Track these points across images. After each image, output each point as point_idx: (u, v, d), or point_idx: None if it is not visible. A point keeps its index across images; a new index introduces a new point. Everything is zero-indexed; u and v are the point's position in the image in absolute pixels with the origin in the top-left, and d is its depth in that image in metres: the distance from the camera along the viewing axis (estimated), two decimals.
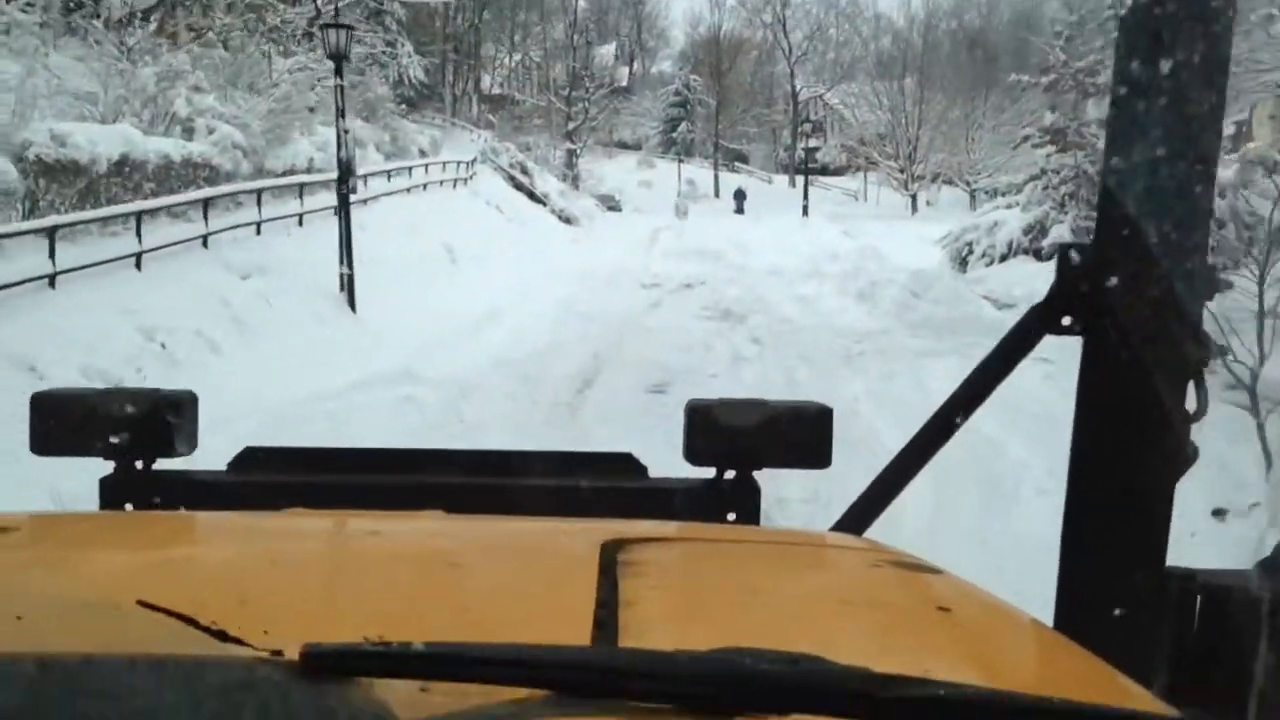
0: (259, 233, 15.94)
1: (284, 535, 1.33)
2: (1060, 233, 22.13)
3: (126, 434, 1.72)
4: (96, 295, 10.99)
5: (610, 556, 1.09)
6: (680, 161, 67.89)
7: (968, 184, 51.94)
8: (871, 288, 19.59)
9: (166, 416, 1.74)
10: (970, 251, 23.90)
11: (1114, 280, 1.62)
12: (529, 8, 55.75)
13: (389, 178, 23.28)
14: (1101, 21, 24.00)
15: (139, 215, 13.08)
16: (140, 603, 0.83)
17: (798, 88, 69.47)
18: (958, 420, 1.80)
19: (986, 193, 53.69)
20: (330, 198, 19.13)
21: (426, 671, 0.70)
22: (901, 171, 49.37)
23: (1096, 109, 22.77)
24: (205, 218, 14.55)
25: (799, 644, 0.71)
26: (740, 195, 55.63)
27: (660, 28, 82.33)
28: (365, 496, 1.72)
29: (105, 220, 12.94)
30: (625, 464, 1.86)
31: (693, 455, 1.79)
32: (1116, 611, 1.61)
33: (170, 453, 1.76)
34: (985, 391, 1.79)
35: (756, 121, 74.90)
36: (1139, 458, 1.66)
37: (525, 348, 14.05)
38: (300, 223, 17.14)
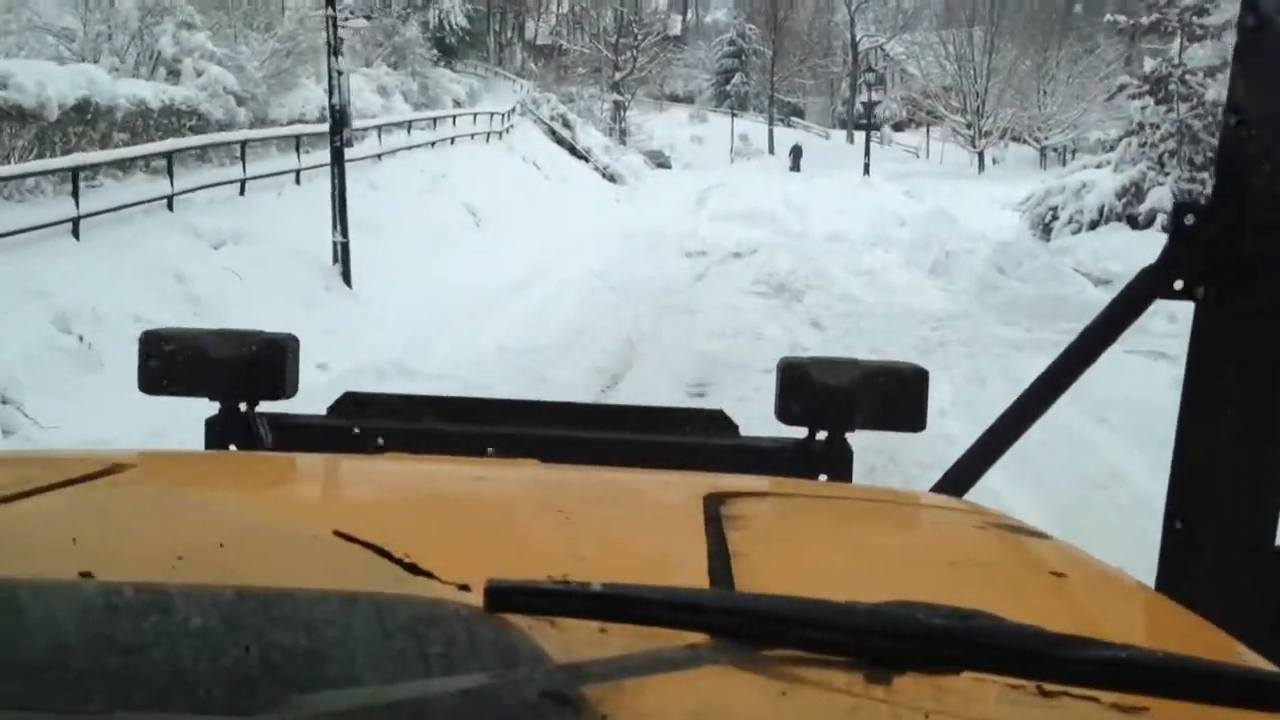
0: (243, 192, 13.80)
1: (408, 478, 1.36)
2: (1160, 196, 19.47)
3: (232, 376, 1.74)
4: (2, 272, 8.91)
5: (714, 509, 1.08)
6: (734, 115, 65.01)
7: (1038, 141, 48.70)
8: (946, 259, 17.13)
9: (270, 360, 1.76)
10: (1054, 217, 21.28)
11: (1236, 241, 1.54)
12: None
13: (410, 130, 21.01)
14: None
15: (75, 171, 10.96)
16: (338, 534, 0.87)
17: (858, 37, 66.06)
18: (1061, 386, 1.75)
19: (1057, 150, 50.44)
20: (357, 149, 17.09)
21: (605, 612, 0.71)
22: (968, 127, 46.15)
23: (1205, 54, 20.04)
24: (170, 175, 12.43)
25: (924, 600, 0.70)
26: (796, 152, 52.77)
27: None
28: (458, 444, 1.70)
29: (39, 176, 10.84)
30: (717, 421, 1.85)
31: (785, 414, 1.74)
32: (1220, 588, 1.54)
33: (274, 395, 1.78)
34: (1090, 358, 1.74)
35: (813, 73, 71.58)
36: (1252, 432, 1.58)
37: (545, 332, 11.87)
38: (298, 180, 14.94)
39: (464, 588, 0.77)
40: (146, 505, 1.16)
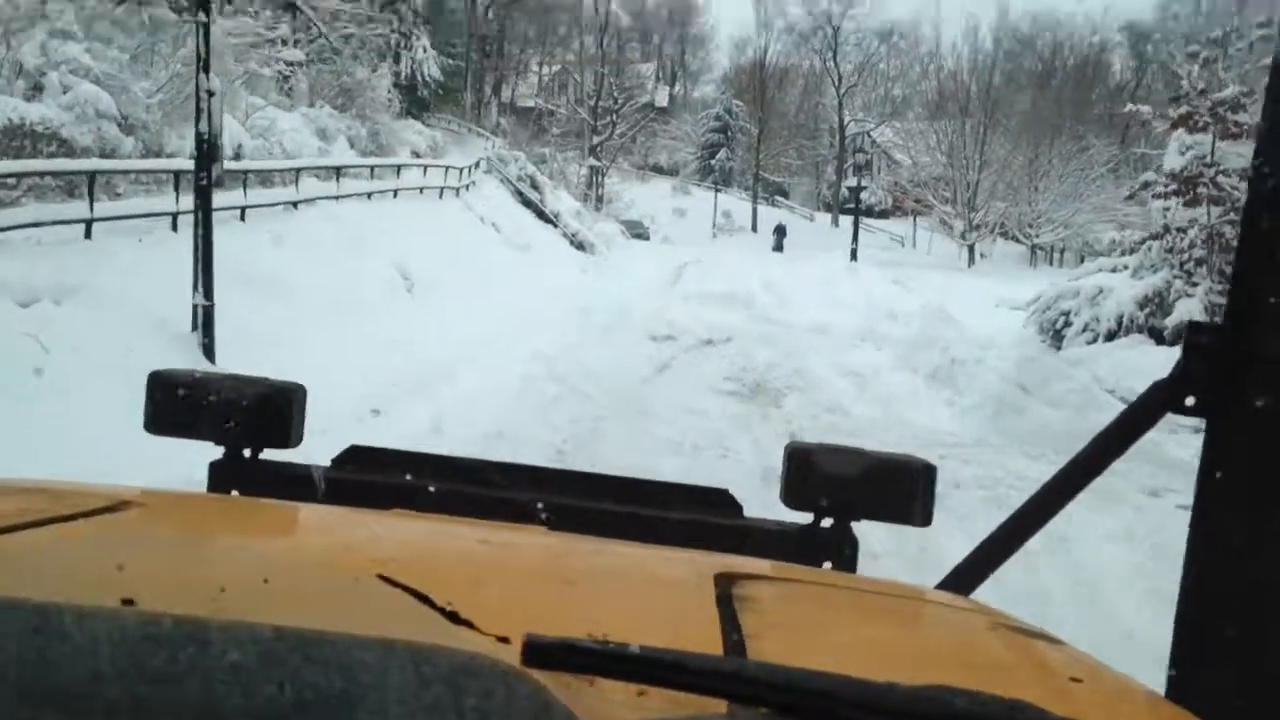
0: (89, 235, 10.99)
1: (418, 536, 1.34)
2: (1189, 309, 17.03)
3: (238, 420, 1.73)
4: None
5: (725, 588, 1.07)
6: (717, 191, 63.12)
7: (1028, 237, 46.72)
8: (951, 367, 14.51)
9: (277, 406, 1.76)
10: (1066, 324, 18.80)
11: (1247, 362, 1.56)
12: (565, 16, 50.95)
13: (339, 178, 18.26)
14: (1252, 42, 19.02)
15: None
16: (380, 577, 0.88)
17: (845, 121, 64.55)
18: (1067, 496, 1.77)
19: (1045, 249, 48.53)
20: (262, 194, 14.35)
21: (645, 675, 0.70)
22: (958, 218, 44.20)
23: (1240, 154, 17.87)
24: None
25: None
26: (780, 231, 50.67)
27: (704, 51, 77.55)
28: (460, 505, 1.70)
29: None
30: (721, 500, 1.84)
31: (790, 499, 1.74)
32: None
33: (279, 443, 1.77)
34: (1098, 468, 1.75)
35: (799, 154, 69.99)
36: (1263, 546, 1.57)
37: (450, 437, 9.07)
38: (174, 226, 12.12)
39: (503, 639, 0.77)
40: (184, 537, 1.15)
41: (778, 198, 69.34)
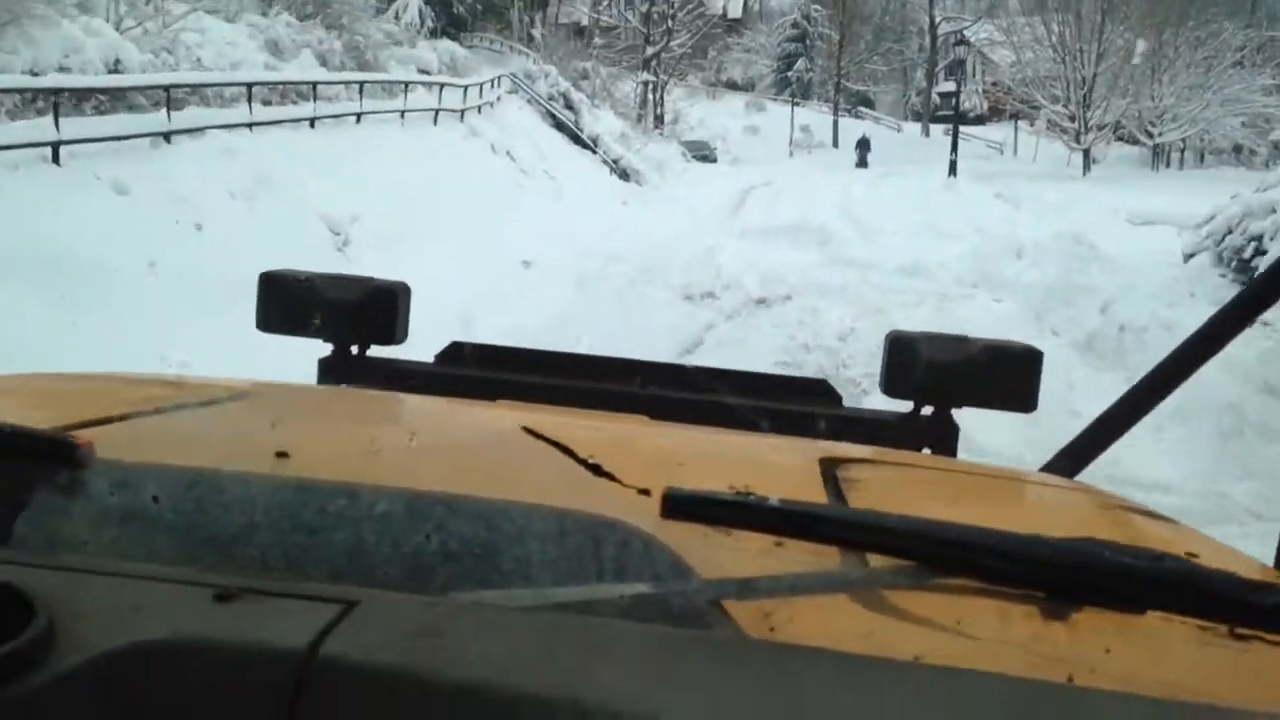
0: None
1: (528, 422, 1.25)
2: None
3: (346, 318, 1.75)
4: None
5: (831, 473, 1.06)
6: (795, 104, 57.24)
7: (1150, 136, 40.26)
8: (1119, 336, 9.57)
9: (382, 304, 1.77)
10: (1258, 251, 13.58)
11: None
12: None
13: (284, 95, 13.73)
14: None
15: None
16: (526, 429, 0.90)
17: (936, 19, 57.86)
18: (1187, 370, 1.66)
19: (1164, 151, 42.00)
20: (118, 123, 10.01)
21: (783, 527, 0.69)
22: (1072, 119, 37.92)
23: None
24: None
25: None
26: (864, 145, 44.94)
27: None
28: (562, 398, 1.67)
29: None
30: (820, 390, 1.83)
31: (891, 388, 1.70)
32: None
33: (384, 340, 1.78)
34: (1222, 341, 1.65)
35: (885, 60, 63.40)
36: None
37: None
38: None
39: (644, 492, 0.77)
40: (329, 411, 1.15)
41: (862, 108, 63.08)
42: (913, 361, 1.66)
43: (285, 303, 1.77)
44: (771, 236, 17.43)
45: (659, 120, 39.73)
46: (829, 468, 1.08)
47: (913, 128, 59.97)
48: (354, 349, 1.82)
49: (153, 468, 0.79)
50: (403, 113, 17.68)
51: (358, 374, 1.79)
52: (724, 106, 59.56)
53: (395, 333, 1.79)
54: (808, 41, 62.28)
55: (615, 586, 0.66)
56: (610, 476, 0.85)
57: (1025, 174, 36.07)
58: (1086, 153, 37.26)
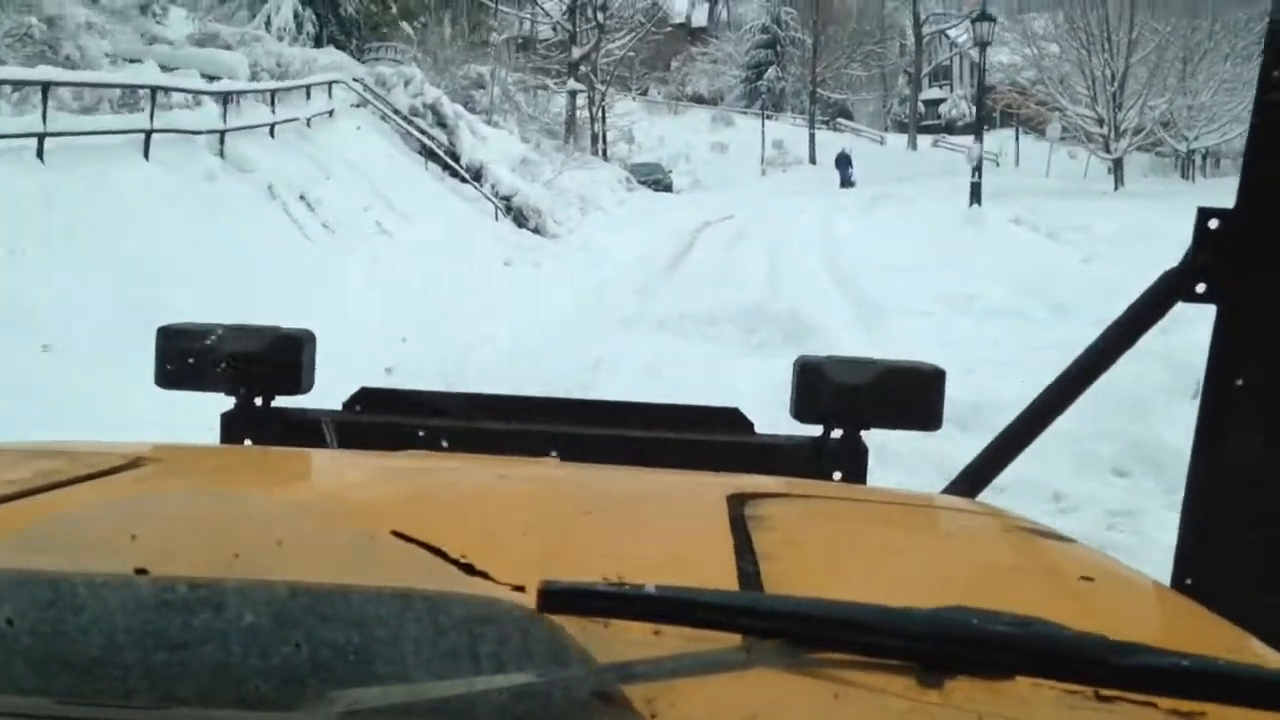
0: None
1: (432, 476, 1.32)
2: None
3: (248, 370, 1.70)
4: None
5: (738, 510, 1.06)
6: (767, 117, 49.91)
7: (1184, 141, 32.87)
8: None
9: (286, 353, 1.73)
10: None
11: (1256, 247, 1.52)
12: None
13: None
14: None
15: None
16: (395, 533, 0.86)
17: (922, 17, 50.70)
18: (1079, 389, 1.71)
19: (1193, 159, 34.71)
20: None
21: (660, 614, 0.69)
22: (1100, 124, 30.46)
23: None
24: None
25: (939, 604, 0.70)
26: (845, 161, 37.59)
27: None
28: (473, 440, 1.66)
29: None
30: (732, 418, 1.81)
31: (800, 412, 1.69)
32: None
33: (289, 390, 1.74)
34: (1109, 359, 1.70)
35: (864, 65, 56.17)
36: (1272, 433, 1.55)
37: None
38: None
39: (518, 588, 0.75)
40: (195, 500, 1.15)
41: (840, 120, 55.85)
42: (820, 386, 1.66)
43: (185, 356, 1.69)
44: (709, 330, 9.99)
45: (596, 140, 32.05)
46: (736, 505, 1.08)
47: (897, 140, 52.74)
48: (259, 401, 1.73)
49: (7, 581, 0.75)
50: (144, 135, 10.01)
51: (262, 426, 1.71)
52: (688, 122, 52.32)
53: (301, 382, 1.73)
54: (779, 48, 55.06)
55: (493, 679, 0.63)
56: (489, 558, 0.82)
57: (1043, 190, 28.69)
58: (1118, 163, 29.75)
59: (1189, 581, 1.54)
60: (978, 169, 19.89)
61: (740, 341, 9.55)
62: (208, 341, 1.70)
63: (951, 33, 54.42)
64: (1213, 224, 1.57)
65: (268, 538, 0.89)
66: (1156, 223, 15.59)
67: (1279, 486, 1.56)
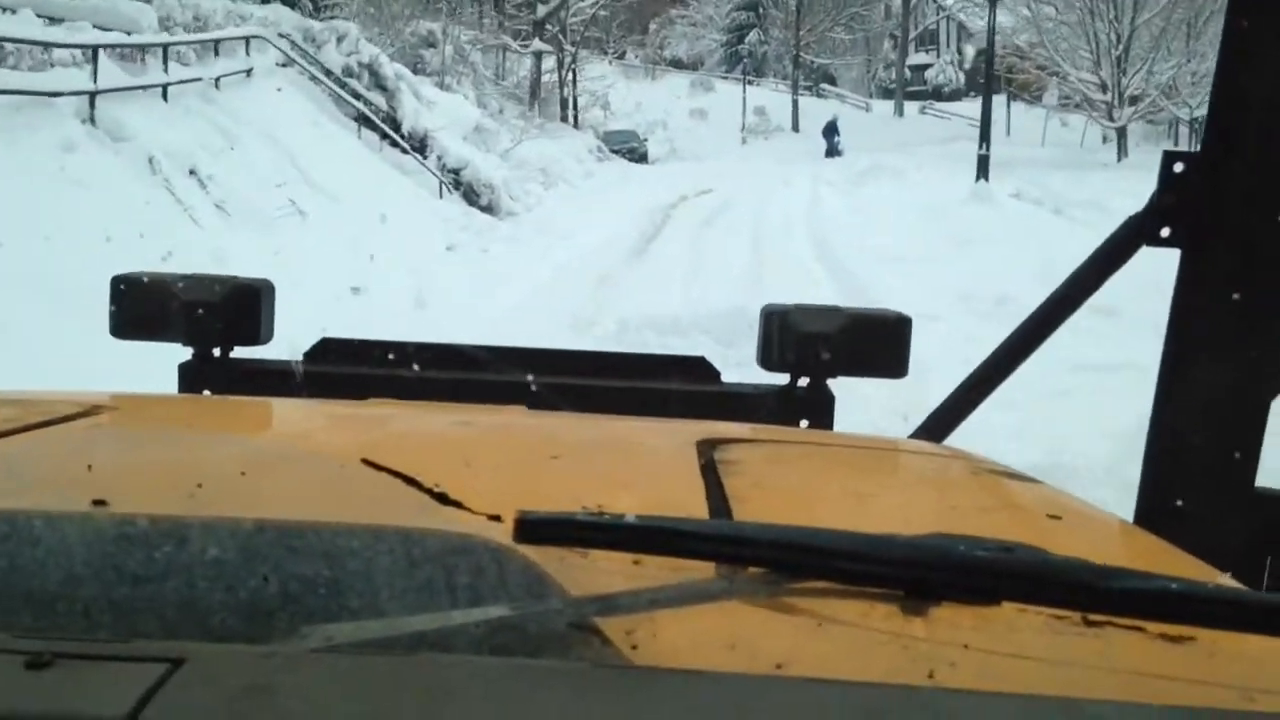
0: None
1: (397, 423, 1.27)
2: None
3: (206, 320, 1.66)
4: None
5: (708, 455, 1.04)
6: (748, 83, 47.58)
7: (1187, 108, 30.83)
8: None
9: (245, 304, 1.68)
10: None
11: (1223, 189, 1.52)
12: None
13: None
14: None
15: None
16: (365, 462, 0.84)
17: None
18: (1042, 335, 1.70)
19: (1187, 127, 32.68)
20: None
21: (639, 544, 0.67)
22: (1104, 90, 28.35)
23: None
24: None
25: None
26: (832, 129, 35.41)
27: None
28: (437, 391, 1.62)
29: None
30: (699, 368, 1.79)
31: (767, 361, 1.67)
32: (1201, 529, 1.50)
33: (248, 340, 1.69)
34: (1074, 304, 1.69)
35: (848, 29, 53.80)
36: (1234, 375, 1.55)
37: None
38: None
39: (494, 518, 0.74)
40: (155, 438, 1.11)
41: (824, 86, 53.54)
42: (787, 334, 1.62)
43: (140, 306, 1.64)
44: (678, 342, 7.96)
45: (566, 106, 29.69)
46: (706, 450, 1.06)
47: (883, 106, 50.50)
48: (216, 352, 1.67)
49: None
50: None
51: (221, 378, 1.66)
52: (666, 87, 49.87)
53: (260, 333, 1.67)
54: (760, 10, 52.58)
55: (470, 612, 0.61)
56: (462, 492, 0.79)
57: (1042, 161, 26.64)
58: (1122, 132, 27.68)
59: (1152, 517, 1.53)
60: (985, 139, 17.75)
61: (716, 358, 7.61)
62: (163, 291, 1.63)
63: None
64: (1177, 167, 1.55)
65: (231, 471, 0.84)
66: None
67: (1241, 428, 1.56)
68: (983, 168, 17.84)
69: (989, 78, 18.38)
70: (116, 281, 1.66)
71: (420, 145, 15.08)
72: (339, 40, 15.13)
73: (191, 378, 1.68)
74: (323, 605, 0.62)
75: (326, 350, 1.76)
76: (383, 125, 14.64)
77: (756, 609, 0.64)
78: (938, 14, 54.60)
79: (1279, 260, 1.52)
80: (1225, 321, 1.54)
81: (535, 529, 0.66)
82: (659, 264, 12.33)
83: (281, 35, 14.84)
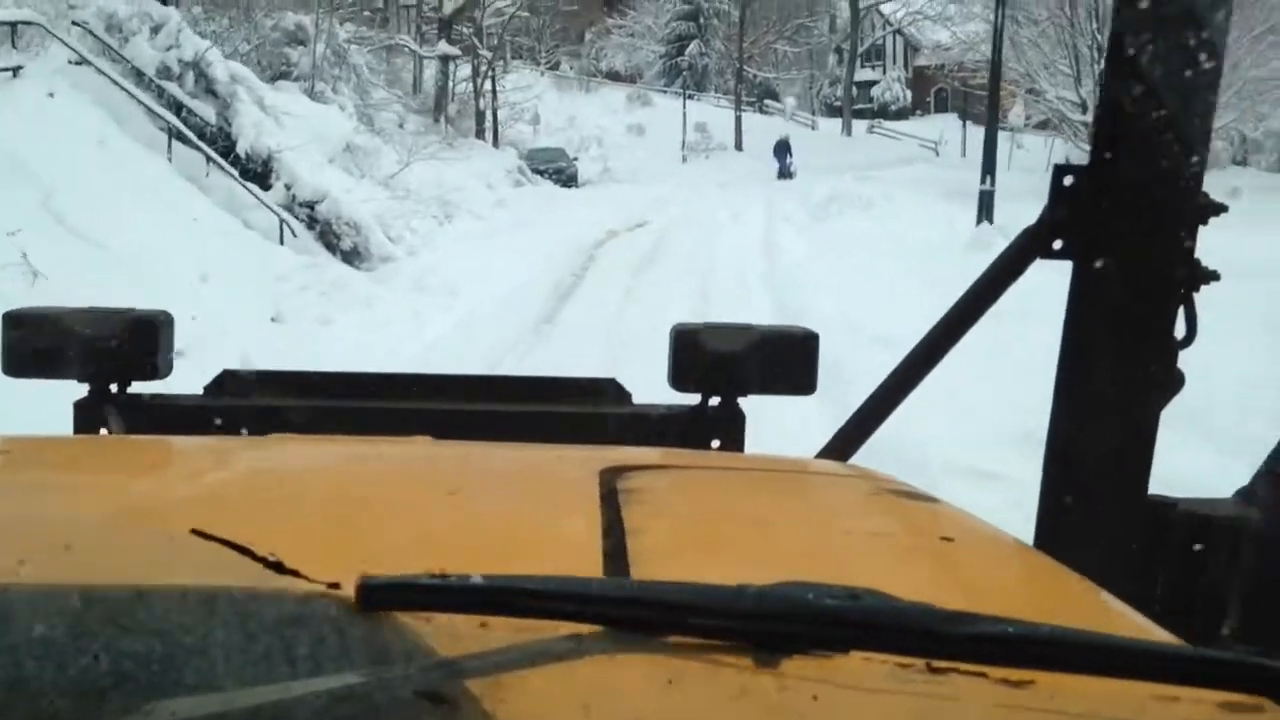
0: None
1: (288, 461, 1.26)
2: None
3: (101, 355, 1.60)
4: None
5: (610, 484, 1.04)
6: (688, 97, 44.22)
7: None
8: None
9: (142, 337, 1.64)
10: None
11: (1106, 202, 1.53)
12: None
13: None
14: None
15: None
16: (195, 532, 0.80)
17: None
18: (942, 350, 1.72)
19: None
20: None
21: (486, 605, 0.66)
22: (1083, 108, 25.14)
23: None
24: None
25: (816, 576, 0.70)
26: (784, 148, 32.17)
27: None
28: (343, 421, 1.58)
29: None
30: (609, 389, 1.78)
31: (678, 381, 1.68)
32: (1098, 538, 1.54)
33: (146, 375, 1.65)
34: (971, 318, 1.70)
35: (792, 42, 50.82)
36: (1125, 384, 1.56)
37: None
38: None
39: (334, 585, 0.70)
40: (43, 470, 1.10)
41: (768, 102, 50.45)
42: (697, 353, 1.64)
43: (32, 343, 1.59)
44: None
45: (481, 119, 25.78)
46: (609, 479, 1.05)
47: (828, 124, 47.54)
48: (114, 388, 1.62)
49: None
50: None
51: (118, 413, 1.60)
52: (602, 101, 46.41)
53: (159, 367, 1.62)
54: (701, 20, 49.26)
55: (310, 682, 0.59)
56: (308, 551, 0.76)
57: (1017, 190, 23.42)
58: None
59: (1048, 541, 1.53)
60: (990, 172, 14.27)
61: None
62: (57, 326, 1.61)
63: (885, 8, 49.26)
64: (1067, 180, 1.55)
65: (57, 542, 0.81)
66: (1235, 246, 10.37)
67: (1134, 441, 1.57)
68: (985, 207, 14.38)
69: (993, 90, 14.82)
70: (7, 317, 1.60)
71: (263, 170, 11.29)
72: (153, 31, 11.27)
73: (88, 415, 1.61)
74: (158, 681, 0.59)
75: (228, 382, 1.71)
76: (200, 143, 10.73)
77: (608, 666, 0.63)
78: (884, 28, 51.89)
79: (1166, 270, 1.53)
80: (1117, 331, 1.57)
81: (377, 594, 0.64)
82: (570, 341, 8.77)
83: (77, 24, 10.98)
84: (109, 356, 1.59)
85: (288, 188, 11.22)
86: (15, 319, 1.59)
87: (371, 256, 11.40)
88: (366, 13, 21.89)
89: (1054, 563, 0.99)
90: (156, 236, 9.02)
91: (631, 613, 0.65)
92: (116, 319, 1.61)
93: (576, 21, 49.54)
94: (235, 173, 10.78)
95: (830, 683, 0.63)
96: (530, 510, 1.03)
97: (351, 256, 11.26)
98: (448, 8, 22.28)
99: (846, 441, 1.71)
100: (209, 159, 10.80)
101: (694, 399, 1.67)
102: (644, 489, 1.06)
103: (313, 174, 11.52)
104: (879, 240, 13.41)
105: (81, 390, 1.62)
